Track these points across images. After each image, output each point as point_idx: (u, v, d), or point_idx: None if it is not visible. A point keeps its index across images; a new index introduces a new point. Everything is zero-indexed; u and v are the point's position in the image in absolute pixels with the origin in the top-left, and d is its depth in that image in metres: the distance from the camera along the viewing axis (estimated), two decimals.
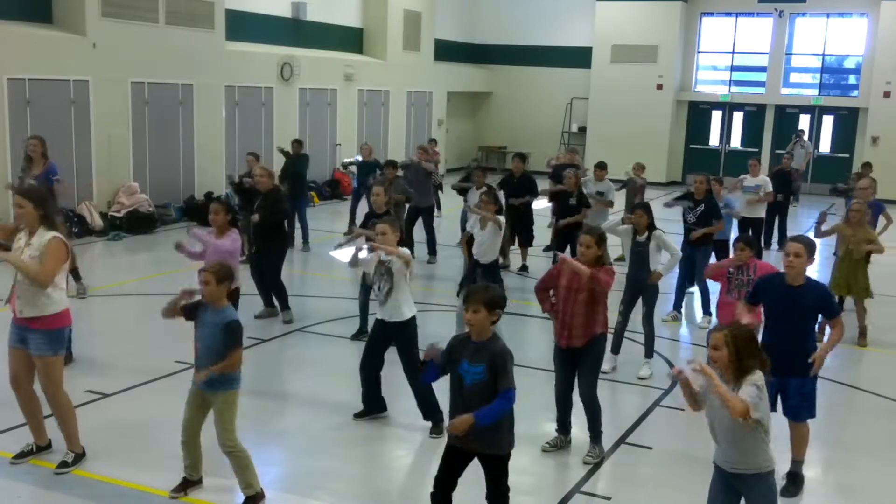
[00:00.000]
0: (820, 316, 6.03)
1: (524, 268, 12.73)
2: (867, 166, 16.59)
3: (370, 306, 9.14)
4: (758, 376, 4.28)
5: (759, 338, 6.01)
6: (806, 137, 23.16)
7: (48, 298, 5.61)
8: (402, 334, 6.67)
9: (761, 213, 12.92)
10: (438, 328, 8.85)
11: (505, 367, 4.56)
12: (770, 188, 12.91)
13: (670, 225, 11.22)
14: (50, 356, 5.67)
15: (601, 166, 12.77)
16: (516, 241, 12.65)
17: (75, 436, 5.91)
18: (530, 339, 9.45)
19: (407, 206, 12.35)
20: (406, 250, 6.68)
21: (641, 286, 8.17)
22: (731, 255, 7.97)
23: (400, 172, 13.28)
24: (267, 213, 9.50)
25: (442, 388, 6.64)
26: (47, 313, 5.61)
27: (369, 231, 7.53)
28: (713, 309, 9.12)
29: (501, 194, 11.64)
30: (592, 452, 6.36)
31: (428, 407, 6.67)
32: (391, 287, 6.60)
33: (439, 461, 4.88)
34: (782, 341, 5.65)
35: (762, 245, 12.52)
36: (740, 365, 4.27)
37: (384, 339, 6.79)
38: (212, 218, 7.80)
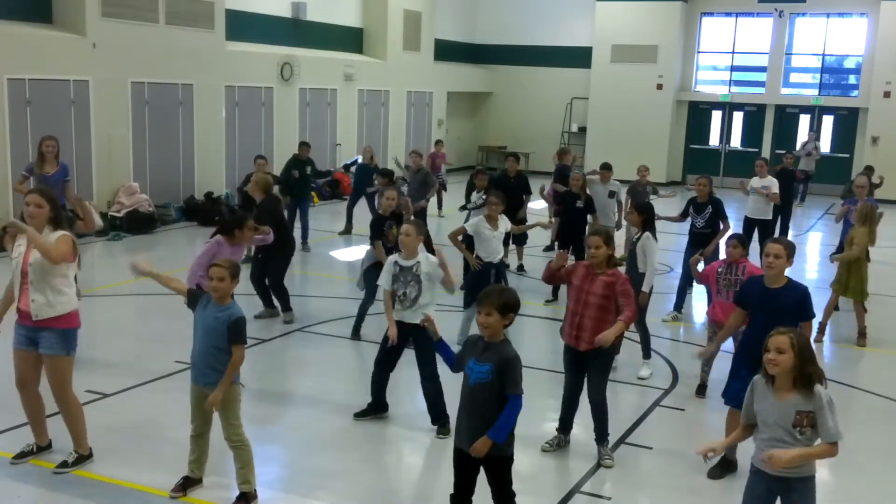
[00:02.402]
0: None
1: (521, 268, 12.74)
2: (868, 169, 16.61)
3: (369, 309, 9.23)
4: (825, 393, 4.21)
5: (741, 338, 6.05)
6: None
7: (64, 297, 5.64)
8: (422, 335, 6.68)
9: (768, 213, 12.87)
10: (440, 328, 8.84)
11: (514, 372, 4.55)
12: (777, 189, 12.89)
13: (669, 225, 11.22)
14: (63, 355, 5.69)
15: (606, 167, 12.75)
16: (510, 239, 12.63)
17: (83, 436, 5.91)
18: (530, 339, 9.47)
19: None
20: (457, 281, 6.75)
21: (637, 285, 8.13)
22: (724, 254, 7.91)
23: (400, 172, 13.28)
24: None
25: (449, 390, 6.66)
26: (63, 312, 5.64)
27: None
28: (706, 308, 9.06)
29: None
30: (607, 454, 6.36)
31: (436, 410, 6.69)
32: (419, 293, 6.62)
33: (451, 467, 4.86)
34: (759, 341, 5.48)
35: None
36: (803, 370, 4.18)
37: (403, 340, 6.79)
38: (244, 234, 8.01)
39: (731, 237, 7.67)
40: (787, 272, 5.93)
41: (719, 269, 7.49)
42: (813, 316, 5.86)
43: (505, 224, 8.95)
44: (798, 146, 23.17)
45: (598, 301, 6.13)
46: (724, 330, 6.33)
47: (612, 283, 6.14)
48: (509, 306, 4.63)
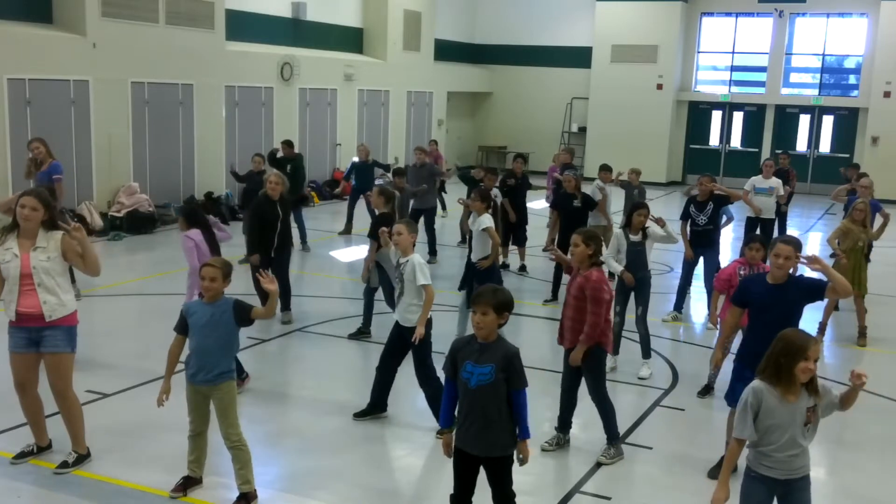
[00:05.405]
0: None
1: (523, 268, 12.74)
2: (855, 167, 16.62)
3: (375, 306, 9.22)
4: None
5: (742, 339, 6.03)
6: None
7: (70, 295, 5.76)
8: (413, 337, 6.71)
9: (771, 213, 12.91)
10: (439, 327, 8.83)
11: (519, 367, 4.57)
12: (782, 190, 13.00)
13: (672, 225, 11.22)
14: (68, 352, 5.75)
15: (605, 168, 12.77)
16: (510, 239, 12.65)
17: (81, 435, 5.92)
18: (530, 339, 9.47)
19: (411, 203, 12.47)
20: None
21: (637, 285, 8.15)
22: (737, 257, 7.92)
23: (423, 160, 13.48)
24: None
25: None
26: (73, 310, 5.74)
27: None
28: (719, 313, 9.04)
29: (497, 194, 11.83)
30: (607, 453, 6.35)
31: (438, 410, 6.66)
32: (402, 292, 6.65)
33: (451, 467, 4.84)
34: (765, 341, 5.31)
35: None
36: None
37: (400, 339, 6.81)
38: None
39: (752, 240, 7.68)
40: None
41: (740, 272, 7.44)
42: (826, 284, 5.68)
43: (479, 223, 8.96)
44: None
45: (572, 301, 6.23)
46: (725, 332, 6.31)
47: (582, 286, 6.16)
48: (504, 305, 4.60)
